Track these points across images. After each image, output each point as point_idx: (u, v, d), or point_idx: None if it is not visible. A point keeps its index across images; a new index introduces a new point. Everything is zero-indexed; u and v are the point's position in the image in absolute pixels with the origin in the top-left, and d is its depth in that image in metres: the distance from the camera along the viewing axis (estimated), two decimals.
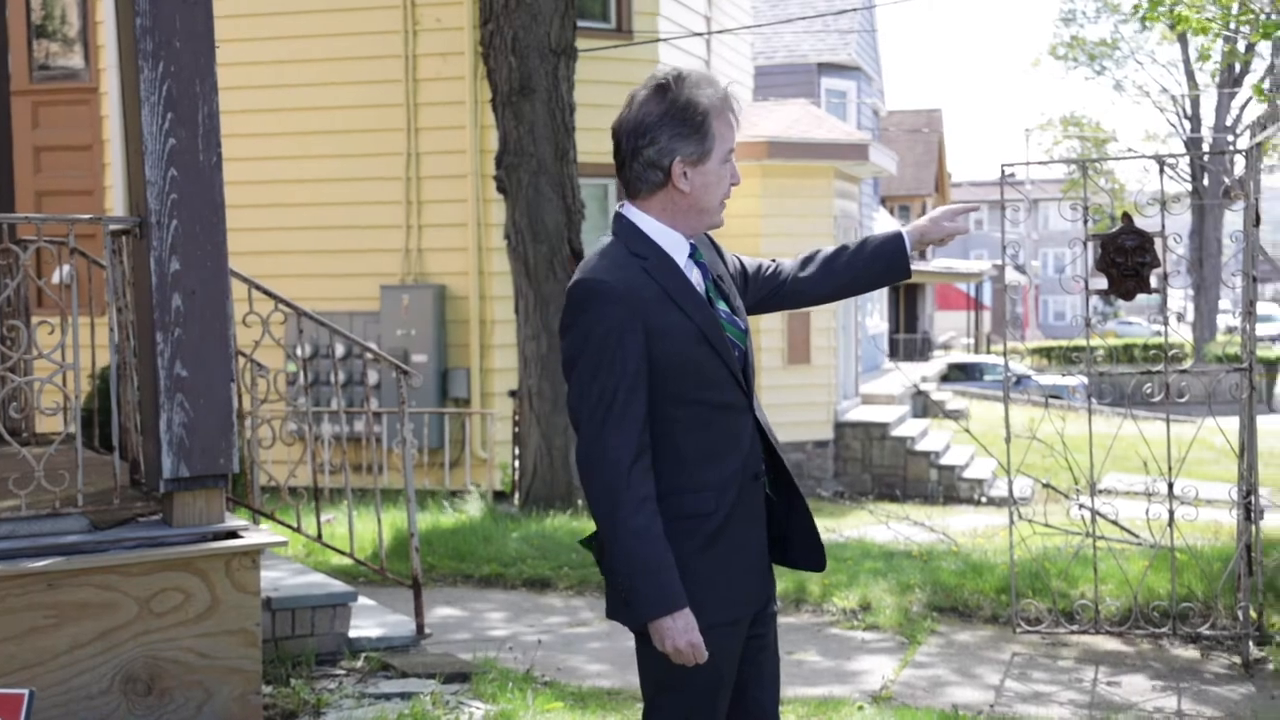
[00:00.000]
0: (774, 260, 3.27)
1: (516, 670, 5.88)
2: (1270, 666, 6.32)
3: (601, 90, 12.64)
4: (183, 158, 4.49)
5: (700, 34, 14.72)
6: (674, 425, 2.85)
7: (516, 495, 10.94)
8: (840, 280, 3.23)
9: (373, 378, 11.76)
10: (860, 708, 5.52)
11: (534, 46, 10.16)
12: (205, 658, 4.50)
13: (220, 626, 4.52)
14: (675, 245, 2.91)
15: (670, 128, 2.84)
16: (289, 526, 6.77)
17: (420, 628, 6.45)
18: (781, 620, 3.09)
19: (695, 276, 2.93)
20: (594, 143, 12.12)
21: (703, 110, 2.86)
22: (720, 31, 15.85)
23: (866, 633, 7.00)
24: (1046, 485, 10.22)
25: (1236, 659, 6.49)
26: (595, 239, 12.79)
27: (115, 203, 12.51)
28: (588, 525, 9.27)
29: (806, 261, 3.24)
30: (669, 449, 2.86)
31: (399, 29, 12.69)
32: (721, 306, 2.96)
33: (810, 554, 3.09)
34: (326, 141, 12.82)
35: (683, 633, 2.77)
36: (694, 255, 2.95)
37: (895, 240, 3.20)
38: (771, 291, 3.21)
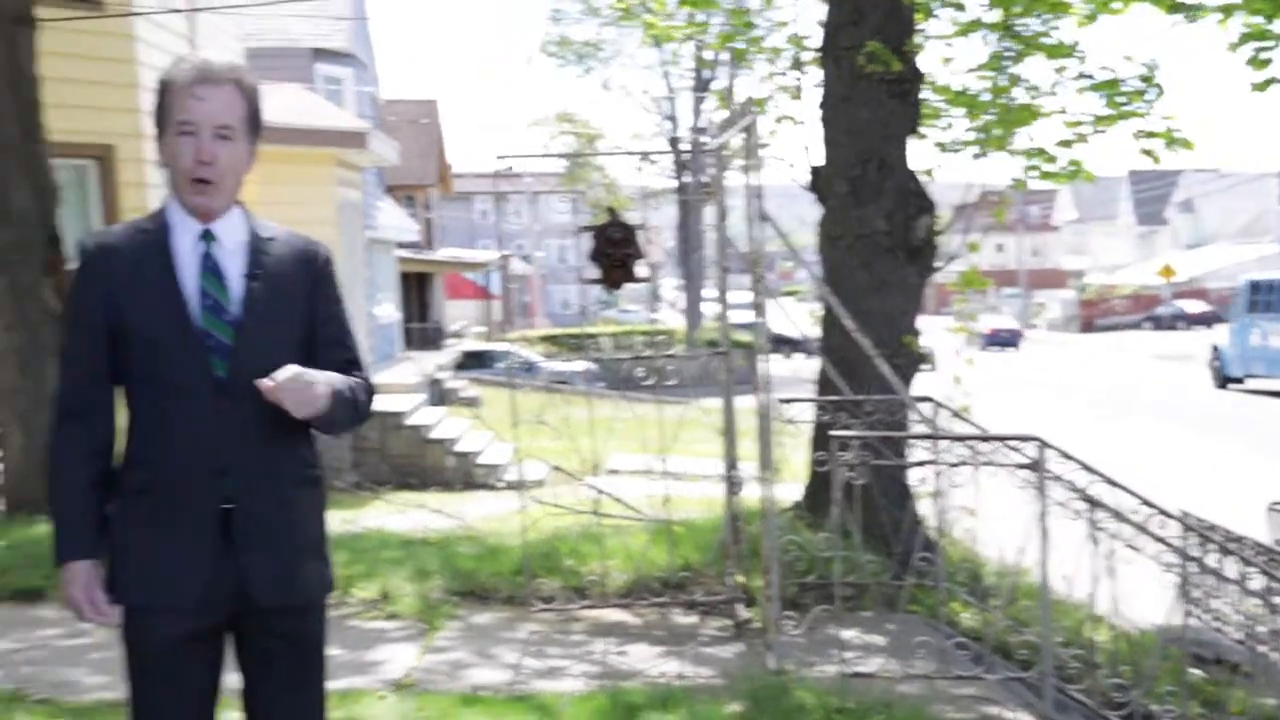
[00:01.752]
0: (341, 360, 3.08)
1: (3, 689, 5.40)
2: (756, 625, 6.93)
3: (74, 65, 11.73)
4: None
5: (179, 10, 13.95)
6: (135, 394, 2.93)
7: (1, 501, 10.02)
8: None
9: None
10: (382, 697, 5.53)
11: None
12: None
13: None
14: (183, 222, 2.94)
15: (156, 106, 2.95)
16: None
17: None
18: None
19: (193, 256, 2.91)
20: (68, 120, 11.25)
21: (163, 83, 2.92)
22: (203, 10, 15.16)
23: (387, 622, 6.99)
24: (556, 468, 10.63)
25: (728, 621, 7.08)
26: (77, 224, 11.89)
27: None
28: None
29: None
30: (133, 417, 2.94)
31: None
32: (218, 294, 2.90)
33: (266, 583, 2.93)
34: None
35: (67, 585, 2.90)
36: (204, 238, 2.93)
37: None
38: None
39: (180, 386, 2.85)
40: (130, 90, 12.49)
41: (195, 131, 2.87)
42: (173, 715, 2.88)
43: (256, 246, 2.96)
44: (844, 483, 5.90)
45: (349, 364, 3.09)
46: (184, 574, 2.86)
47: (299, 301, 2.99)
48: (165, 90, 2.91)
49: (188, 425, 2.86)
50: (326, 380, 2.92)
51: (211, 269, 2.91)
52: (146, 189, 12.48)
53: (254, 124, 2.97)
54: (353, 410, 3.02)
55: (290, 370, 2.84)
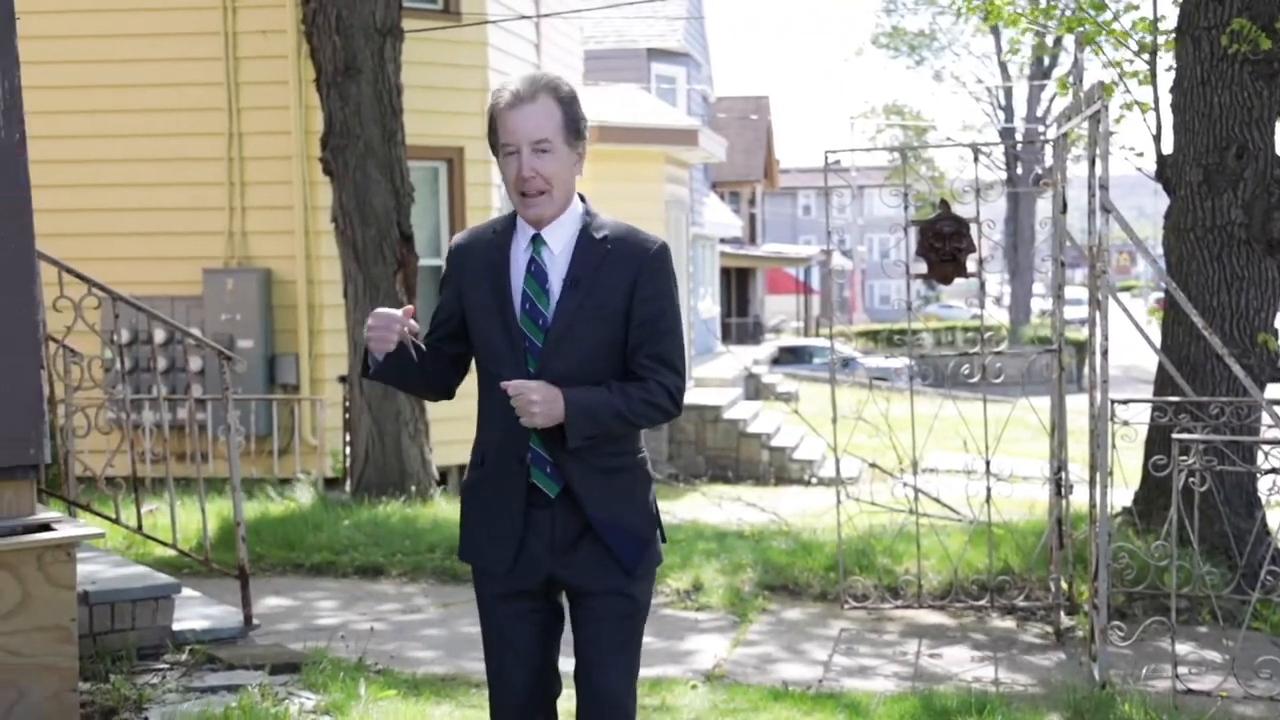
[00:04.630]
0: (645, 355, 3.14)
1: (348, 659, 5.78)
2: (1079, 634, 6.61)
3: (430, 72, 12.46)
4: None
5: (528, 17, 14.63)
6: (479, 379, 3.23)
7: (348, 482, 10.76)
8: None
9: (196, 364, 11.39)
10: (693, 686, 5.59)
11: (359, 26, 9.94)
12: (16, 655, 4.31)
13: (32, 622, 4.33)
14: (522, 226, 3.17)
15: (488, 132, 3.20)
16: (107, 518, 6.52)
17: (248, 618, 6.30)
18: None
19: (522, 261, 3.14)
20: (424, 125, 11.95)
21: (489, 112, 3.15)
22: (548, 15, 15.78)
23: (699, 613, 7.08)
24: (873, 465, 10.46)
25: (1049, 628, 6.78)
26: (426, 222, 12.64)
27: None
28: (422, 512, 9.17)
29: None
30: (479, 399, 3.23)
31: (216, 4, 12.30)
32: (537, 298, 3.10)
33: (568, 566, 3.14)
34: (142, 120, 12.35)
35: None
36: (534, 243, 3.13)
37: None
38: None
39: (501, 378, 3.10)
40: (481, 94, 13.14)
41: (516, 151, 3.08)
42: (505, 657, 3.21)
43: (584, 249, 3.13)
44: (1183, 488, 5.55)
45: (656, 360, 3.12)
46: (496, 543, 3.17)
47: (617, 303, 3.11)
48: (491, 117, 3.14)
49: (505, 413, 3.08)
50: (576, 401, 3.01)
51: (534, 273, 3.12)
52: (491, 188, 13.13)
53: (573, 130, 3.12)
54: (624, 422, 3.09)
55: (517, 385, 3.01)
